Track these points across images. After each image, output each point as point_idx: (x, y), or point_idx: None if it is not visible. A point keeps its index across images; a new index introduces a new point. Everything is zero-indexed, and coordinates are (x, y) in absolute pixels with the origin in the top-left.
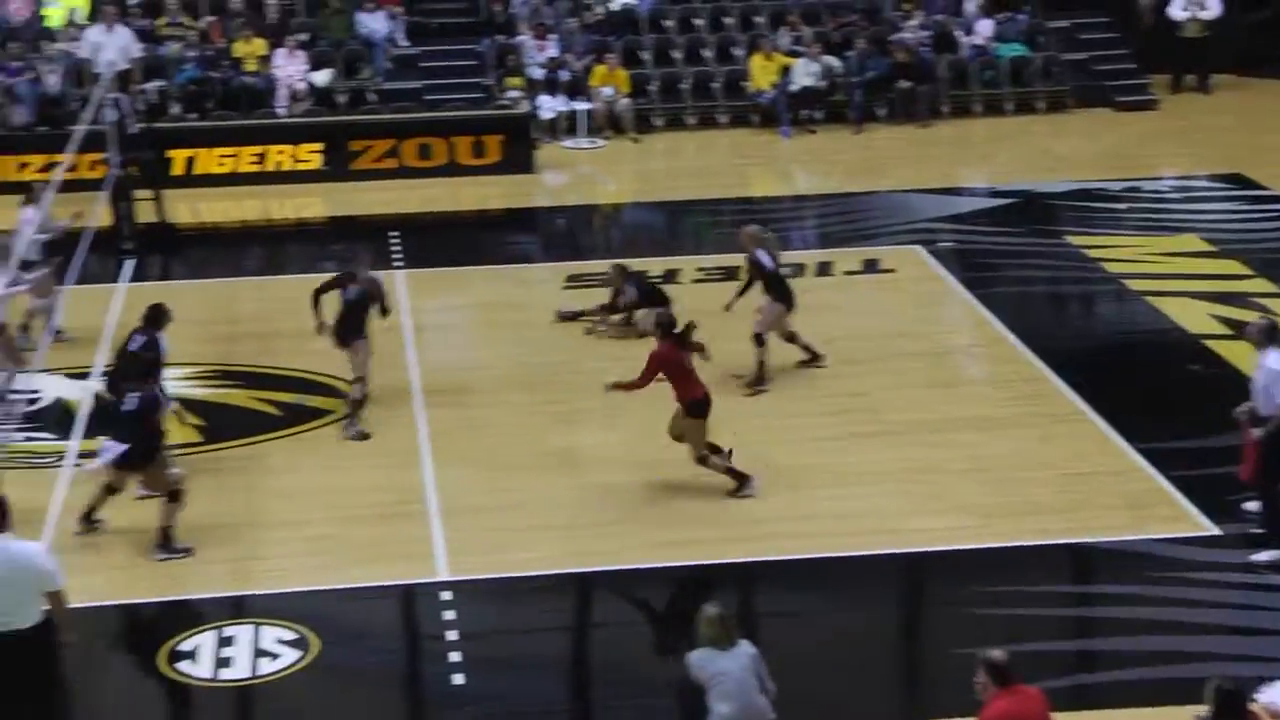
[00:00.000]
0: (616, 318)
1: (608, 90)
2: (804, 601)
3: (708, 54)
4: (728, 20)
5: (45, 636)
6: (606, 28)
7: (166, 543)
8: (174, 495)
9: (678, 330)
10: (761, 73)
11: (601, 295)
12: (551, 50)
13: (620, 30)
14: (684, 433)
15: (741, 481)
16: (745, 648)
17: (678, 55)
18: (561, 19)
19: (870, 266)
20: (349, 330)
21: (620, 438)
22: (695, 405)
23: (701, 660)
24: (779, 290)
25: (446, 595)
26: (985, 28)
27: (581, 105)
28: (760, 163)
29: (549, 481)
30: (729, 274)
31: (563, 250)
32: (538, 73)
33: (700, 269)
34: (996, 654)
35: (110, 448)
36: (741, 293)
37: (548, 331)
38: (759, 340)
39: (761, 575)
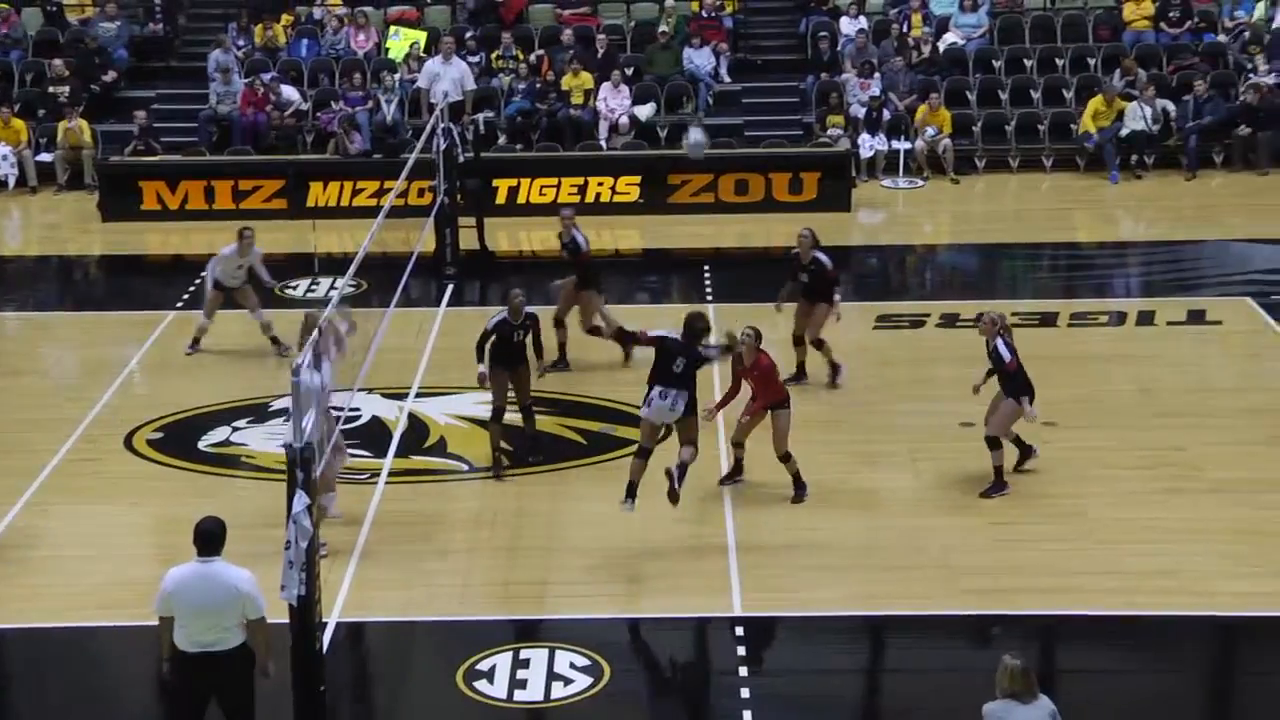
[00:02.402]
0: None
1: (930, 130)
2: (1108, 660)
3: (1035, 95)
4: (1059, 61)
5: (245, 659)
6: (932, 67)
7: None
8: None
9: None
10: (1095, 116)
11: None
12: (875, 89)
13: (946, 70)
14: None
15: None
16: (1045, 703)
17: (1004, 96)
18: (887, 57)
19: (1196, 317)
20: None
21: (922, 481)
22: (786, 401)
23: (999, 712)
24: (1019, 385)
25: (740, 630)
26: None
27: (902, 144)
28: (1084, 207)
29: (847, 521)
30: (1045, 319)
31: (874, 290)
32: (860, 110)
33: (1015, 314)
34: None
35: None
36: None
37: (854, 370)
38: (996, 444)
39: (1064, 630)
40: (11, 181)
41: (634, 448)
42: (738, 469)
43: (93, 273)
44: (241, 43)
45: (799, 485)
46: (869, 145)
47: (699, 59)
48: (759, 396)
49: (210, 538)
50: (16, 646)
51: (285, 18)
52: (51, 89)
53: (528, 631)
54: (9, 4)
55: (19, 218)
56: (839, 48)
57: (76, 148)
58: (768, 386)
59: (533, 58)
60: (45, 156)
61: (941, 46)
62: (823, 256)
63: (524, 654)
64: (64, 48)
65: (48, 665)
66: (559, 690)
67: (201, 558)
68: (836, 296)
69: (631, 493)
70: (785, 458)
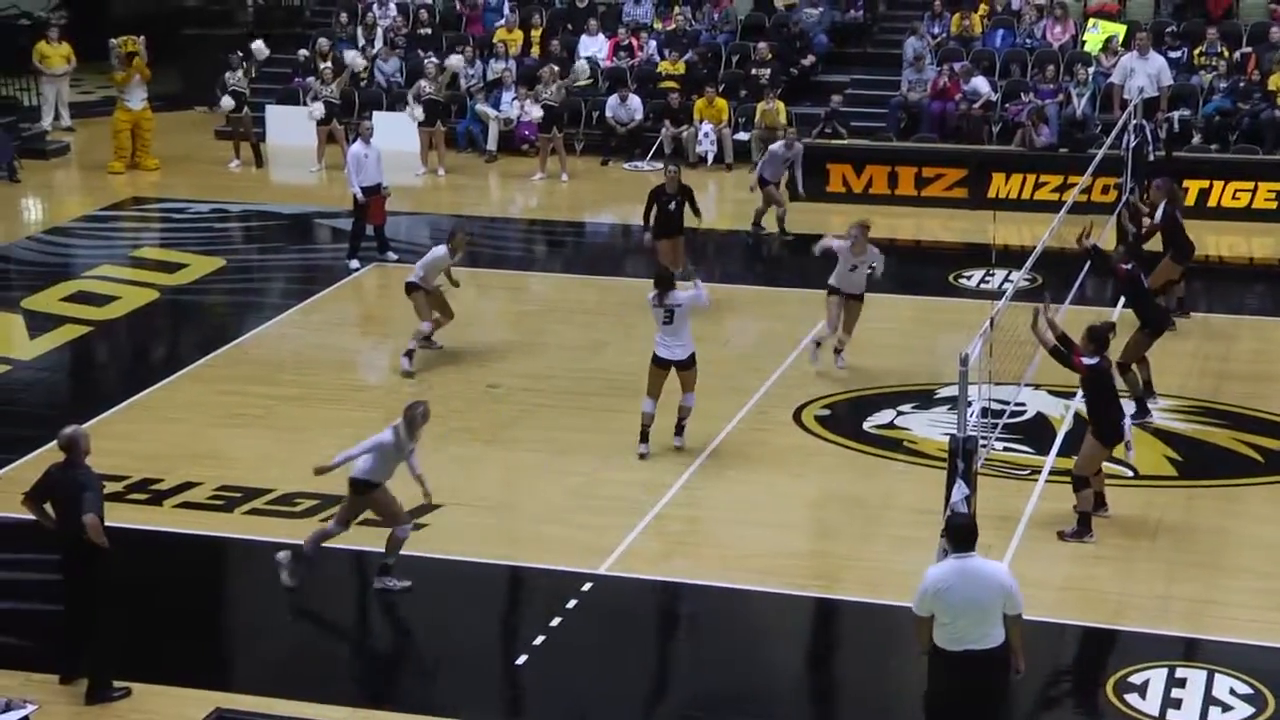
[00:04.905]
0: None
1: None
2: None
3: None
4: None
5: (1006, 658)
6: None
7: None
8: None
9: None
10: None
11: None
12: None
13: None
14: None
15: None
16: None
17: None
18: None
19: None
20: None
21: None
22: None
23: None
24: None
25: None
26: None
27: None
28: None
29: None
30: None
31: None
32: None
33: None
34: None
35: None
36: None
37: None
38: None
39: None
40: (710, 158)
41: None
42: None
43: (776, 249)
44: (936, 30)
45: None
46: None
47: None
48: None
49: (967, 533)
50: (677, 598)
51: (982, 7)
52: (754, 71)
53: (1186, 649)
54: None
55: (714, 192)
56: None
57: (772, 128)
58: None
59: (1238, 55)
60: (742, 135)
61: None
62: None
63: (1180, 673)
64: (768, 32)
65: (706, 620)
66: (1215, 716)
67: (958, 554)
68: None
69: None
70: None
